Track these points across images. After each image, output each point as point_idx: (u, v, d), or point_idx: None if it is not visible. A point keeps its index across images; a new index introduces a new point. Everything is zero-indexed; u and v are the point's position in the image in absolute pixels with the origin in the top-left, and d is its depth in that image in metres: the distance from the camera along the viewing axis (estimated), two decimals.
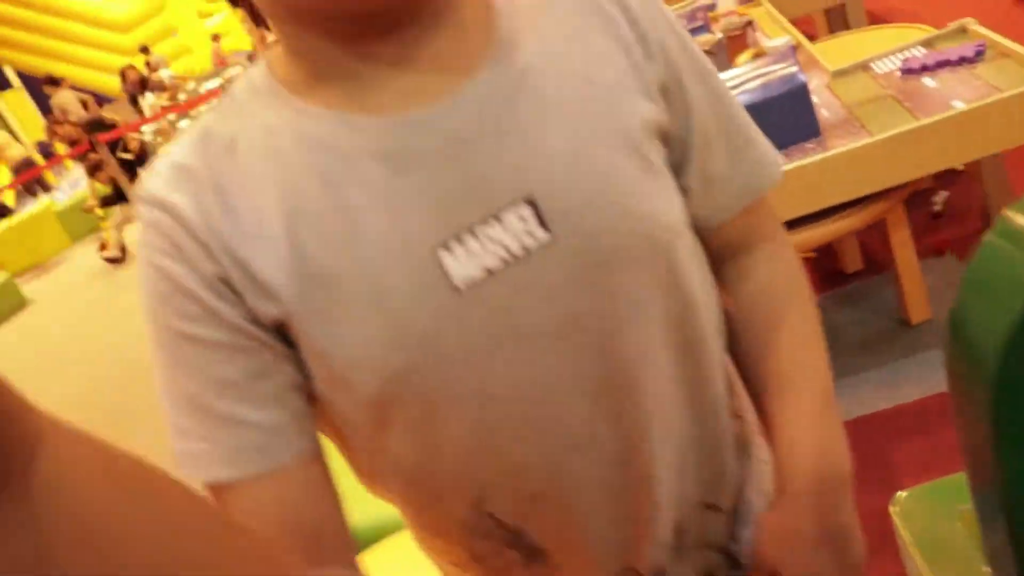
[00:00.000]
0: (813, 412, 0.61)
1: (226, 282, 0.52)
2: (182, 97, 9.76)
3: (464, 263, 0.51)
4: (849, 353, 2.13)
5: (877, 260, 2.46)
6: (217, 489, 0.52)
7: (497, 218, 0.52)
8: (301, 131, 0.53)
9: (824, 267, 2.56)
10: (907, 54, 2.14)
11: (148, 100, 10.46)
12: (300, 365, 0.54)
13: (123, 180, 6.37)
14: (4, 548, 0.30)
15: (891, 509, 0.92)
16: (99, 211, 6.60)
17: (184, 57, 13.14)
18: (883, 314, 2.23)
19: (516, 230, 0.52)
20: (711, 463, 0.64)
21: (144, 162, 6.33)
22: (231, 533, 0.38)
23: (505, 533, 0.58)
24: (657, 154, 0.58)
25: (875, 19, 3.72)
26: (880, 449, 1.83)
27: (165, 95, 10.54)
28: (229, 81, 9.67)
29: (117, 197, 6.52)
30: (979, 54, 1.97)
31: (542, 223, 0.52)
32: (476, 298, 0.52)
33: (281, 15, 0.53)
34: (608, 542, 0.60)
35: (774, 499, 0.62)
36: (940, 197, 2.55)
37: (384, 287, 0.51)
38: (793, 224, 1.89)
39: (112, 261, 6.73)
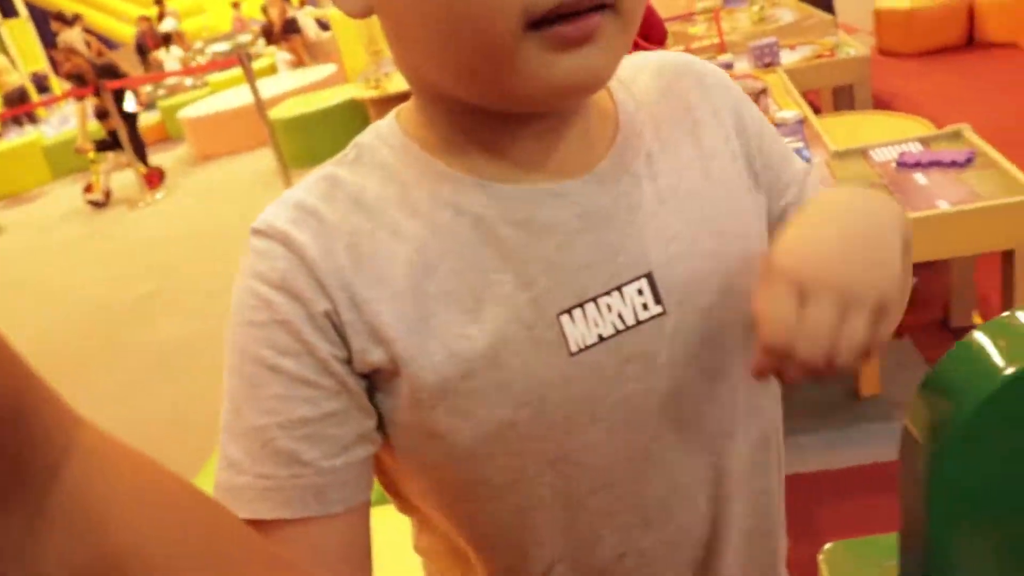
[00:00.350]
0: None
1: (333, 320, 0.51)
2: (201, 59, 9.74)
3: (581, 329, 0.53)
4: (799, 415, 2.25)
5: None
6: (255, 524, 0.50)
7: (619, 290, 0.54)
8: (438, 191, 0.53)
9: None
10: (904, 148, 2.26)
11: (173, 53, 10.40)
12: (380, 418, 0.54)
13: (123, 131, 6.37)
14: (22, 547, 0.33)
15: (819, 558, 1.01)
16: (92, 154, 6.58)
17: (196, 16, 13.09)
18: (837, 383, 2.35)
19: (633, 302, 0.54)
20: (766, 547, 0.65)
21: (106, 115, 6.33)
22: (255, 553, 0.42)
23: None
24: (762, 238, 0.60)
25: (879, 103, 3.88)
26: (815, 505, 1.94)
27: (182, 53, 10.51)
28: (240, 47, 9.68)
29: (113, 143, 6.51)
30: (969, 160, 2.10)
31: (657, 297, 0.54)
32: (586, 362, 0.53)
33: (431, 91, 0.54)
34: None
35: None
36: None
37: (503, 343, 0.52)
38: None
39: (95, 204, 6.71)
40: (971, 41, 5.24)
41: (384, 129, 0.57)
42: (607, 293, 0.53)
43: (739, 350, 0.57)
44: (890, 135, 2.38)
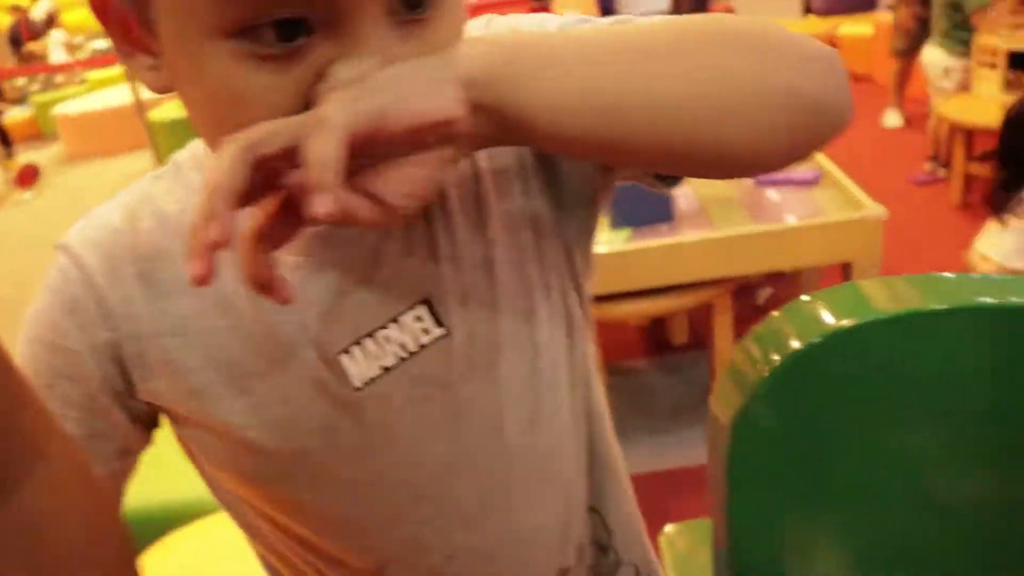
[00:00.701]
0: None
1: (115, 352, 0.53)
2: (80, 55, 9.33)
3: (361, 364, 0.54)
4: (661, 415, 2.38)
5: (700, 337, 2.74)
6: None
7: (395, 320, 0.55)
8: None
9: (655, 337, 2.84)
10: None
11: (55, 38, 9.90)
12: (150, 432, 0.57)
13: None
14: None
15: (660, 539, 1.10)
16: None
17: (77, 9, 12.55)
18: (696, 385, 2.50)
19: (413, 329, 0.55)
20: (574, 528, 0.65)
21: None
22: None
23: None
24: (538, 249, 0.58)
25: None
26: (667, 499, 2.06)
27: (41, 43, 10.04)
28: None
29: None
30: (816, 179, 2.27)
31: (437, 320, 0.55)
32: (373, 394, 0.55)
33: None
34: None
35: None
36: (764, 292, 2.89)
37: (288, 383, 0.54)
38: (630, 296, 2.10)
39: None
40: None
41: (198, 148, 0.55)
42: (382, 327, 0.54)
43: (515, 350, 0.58)
44: None
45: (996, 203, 2.47)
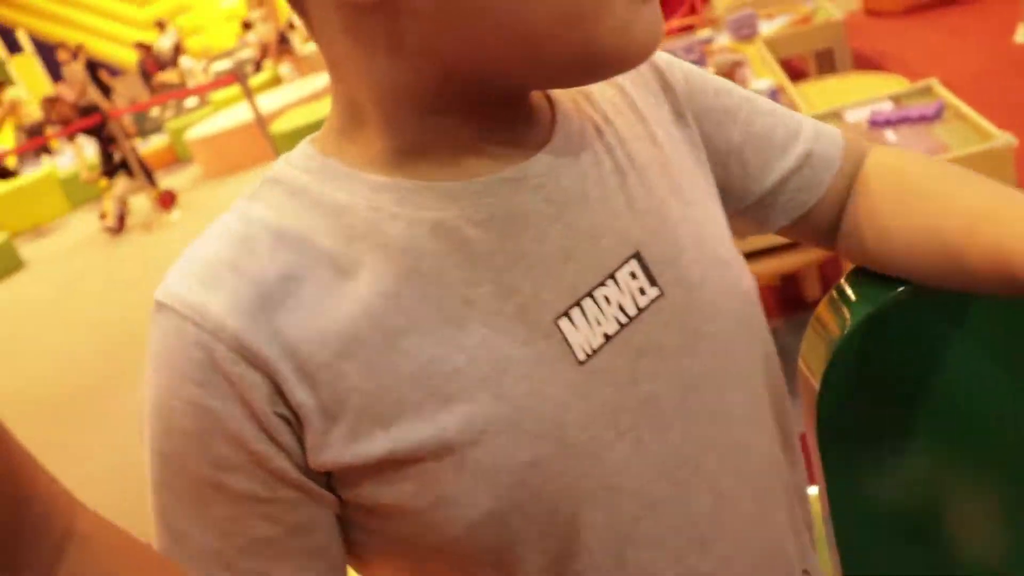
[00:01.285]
0: None
1: (281, 410, 0.42)
2: (203, 79, 9.91)
3: (584, 332, 0.45)
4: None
5: None
6: None
7: (612, 277, 0.47)
8: (378, 205, 0.44)
9: (787, 294, 2.75)
10: (876, 107, 2.32)
11: (184, 65, 10.56)
12: (355, 508, 0.45)
13: (132, 157, 6.58)
14: None
15: None
16: (102, 182, 6.78)
17: (196, 36, 13.26)
18: None
19: (630, 287, 0.47)
20: (804, 511, 0.59)
21: (112, 141, 6.54)
22: None
23: None
24: (715, 199, 0.57)
25: (868, 63, 3.92)
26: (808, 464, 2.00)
27: (173, 72, 10.68)
28: (241, 64, 9.82)
29: (115, 169, 6.70)
30: (938, 114, 2.15)
31: (651, 278, 0.48)
32: (598, 370, 0.46)
33: (413, 90, 0.44)
34: None
35: None
36: None
37: (499, 371, 0.43)
38: (760, 254, 2.06)
39: (110, 231, 6.86)
40: None
41: (295, 156, 0.48)
42: (601, 284, 0.46)
43: (738, 323, 0.52)
44: (864, 95, 2.44)
45: None
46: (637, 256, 0.48)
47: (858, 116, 2.31)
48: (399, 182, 0.45)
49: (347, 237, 0.44)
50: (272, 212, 0.45)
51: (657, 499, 0.47)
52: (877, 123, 2.20)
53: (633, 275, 0.48)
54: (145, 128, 9.59)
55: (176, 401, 0.42)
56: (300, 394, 0.42)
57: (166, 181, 7.43)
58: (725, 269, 0.52)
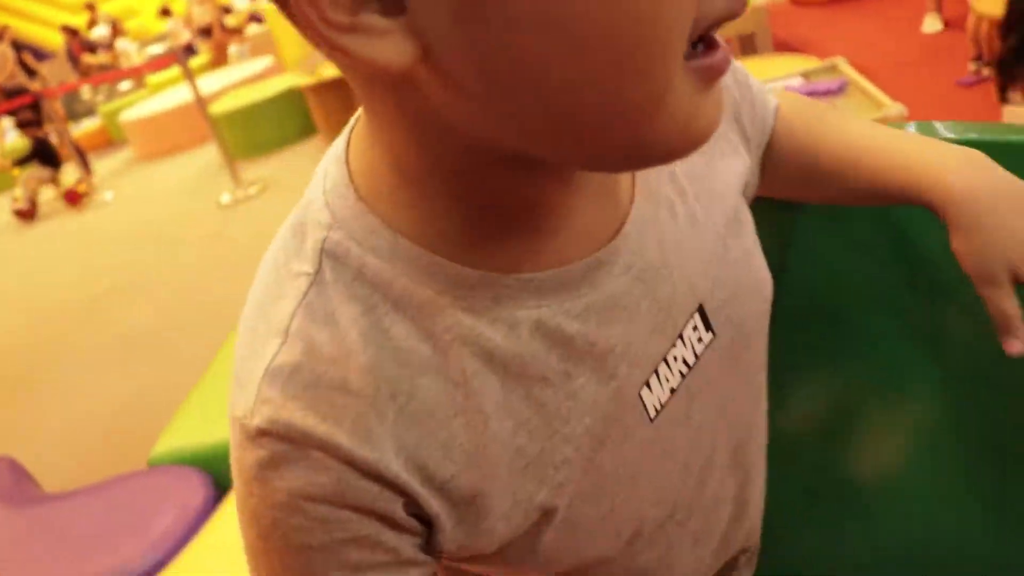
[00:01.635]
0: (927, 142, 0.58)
1: (412, 509, 0.42)
2: (137, 61, 9.76)
3: (656, 393, 0.48)
4: None
5: None
6: None
7: (680, 337, 0.48)
8: (472, 307, 0.41)
9: None
10: (788, 83, 2.50)
11: (124, 47, 10.37)
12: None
13: (64, 139, 6.50)
14: None
15: None
16: (15, 171, 6.74)
17: (129, 19, 13.00)
18: None
19: (692, 339, 0.49)
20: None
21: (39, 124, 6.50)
22: None
23: None
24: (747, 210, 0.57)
25: (784, 47, 4.14)
26: None
27: (106, 55, 10.48)
28: (175, 47, 9.70)
29: (33, 156, 6.64)
30: (841, 88, 2.35)
31: (707, 325, 0.50)
32: (664, 420, 0.49)
33: (457, 164, 0.39)
34: None
35: (950, 223, 0.55)
36: None
37: (594, 451, 0.46)
38: None
39: (20, 214, 6.75)
40: None
41: (357, 225, 0.41)
42: (672, 345, 0.48)
43: (760, 336, 0.57)
44: (778, 73, 2.62)
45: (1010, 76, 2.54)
46: (700, 309, 0.49)
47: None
48: (489, 277, 0.41)
49: (446, 343, 0.41)
50: (358, 309, 0.40)
51: (684, 504, 0.54)
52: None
53: (695, 328, 0.49)
54: (76, 111, 9.41)
55: (298, 519, 0.40)
56: (435, 505, 0.42)
57: (99, 164, 7.33)
58: (762, 288, 0.55)
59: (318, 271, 0.41)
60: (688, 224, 0.50)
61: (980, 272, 0.54)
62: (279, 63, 8.31)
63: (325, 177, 0.43)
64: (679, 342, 0.48)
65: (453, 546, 0.44)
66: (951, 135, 0.68)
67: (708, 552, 0.58)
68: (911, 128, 0.70)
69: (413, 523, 0.42)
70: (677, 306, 0.48)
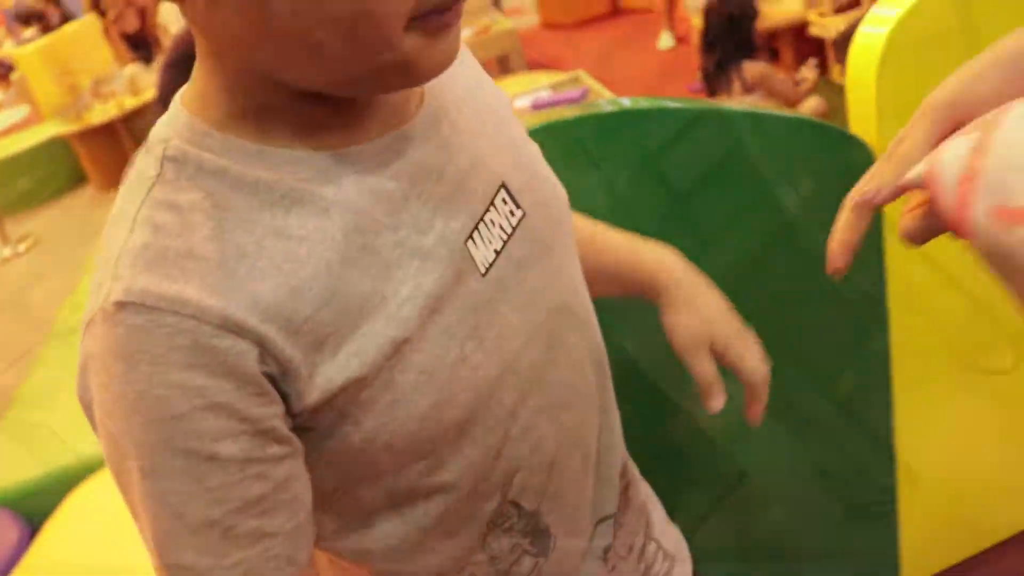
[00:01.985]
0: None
1: (271, 368, 0.46)
2: None
3: (482, 250, 0.54)
4: None
5: None
6: None
7: (492, 204, 0.56)
8: (305, 176, 0.48)
9: None
10: (537, 95, 2.83)
11: None
12: (320, 434, 0.50)
13: None
14: None
15: None
16: None
17: None
18: None
19: (504, 211, 0.56)
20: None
21: None
22: None
23: (526, 521, 0.60)
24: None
25: (535, 64, 4.58)
26: None
27: None
28: None
29: None
30: (584, 95, 2.70)
31: (516, 202, 0.57)
32: (495, 280, 0.54)
33: (265, 82, 0.47)
34: (587, 496, 0.65)
35: (665, 303, 0.73)
36: None
37: (432, 292, 0.51)
38: None
39: None
40: (616, 10, 6.18)
41: (190, 133, 0.48)
42: (486, 210, 0.55)
43: (567, 225, 0.65)
44: (530, 86, 2.95)
45: (714, 86, 2.98)
46: (504, 187, 0.57)
47: (524, 102, 2.81)
48: (311, 156, 0.49)
49: (285, 208, 0.47)
50: (199, 194, 0.46)
51: (547, 382, 0.59)
52: (539, 105, 2.71)
53: (504, 201, 0.56)
54: None
55: (160, 390, 0.43)
56: (288, 350, 0.46)
57: None
58: (558, 188, 0.65)
59: (159, 173, 0.47)
60: (475, 118, 0.59)
61: (687, 343, 0.70)
62: (36, 112, 7.84)
63: (168, 113, 0.52)
64: (492, 209, 0.55)
65: (315, 396, 0.47)
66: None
67: (584, 461, 0.64)
68: (625, 102, 1.02)
69: (267, 386, 0.45)
70: (479, 176, 0.55)
